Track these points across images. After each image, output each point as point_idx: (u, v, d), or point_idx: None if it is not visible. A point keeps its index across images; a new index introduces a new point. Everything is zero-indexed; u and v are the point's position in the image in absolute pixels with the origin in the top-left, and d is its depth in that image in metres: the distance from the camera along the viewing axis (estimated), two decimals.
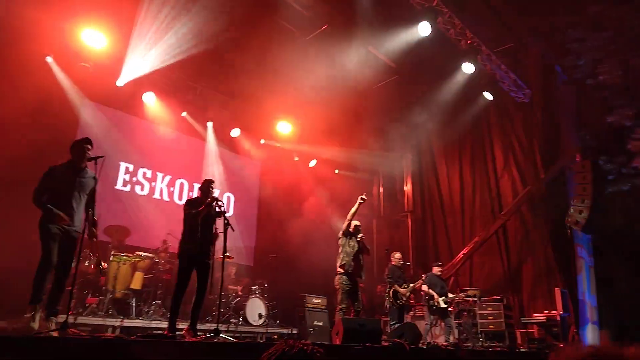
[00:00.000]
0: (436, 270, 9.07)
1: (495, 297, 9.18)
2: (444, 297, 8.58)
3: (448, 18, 9.21)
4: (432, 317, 8.84)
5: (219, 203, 5.76)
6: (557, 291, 9.04)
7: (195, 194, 10.73)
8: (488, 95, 10.65)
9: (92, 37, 8.49)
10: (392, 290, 8.29)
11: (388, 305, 8.40)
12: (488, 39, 10.07)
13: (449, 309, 8.82)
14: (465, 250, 11.01)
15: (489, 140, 11.55)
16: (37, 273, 4.46)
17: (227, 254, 5.61)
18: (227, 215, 5.75)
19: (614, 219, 9.99)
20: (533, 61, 10.82)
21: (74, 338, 3.75)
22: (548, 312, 8.99)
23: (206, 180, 5.97)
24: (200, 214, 5.60)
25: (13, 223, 6.68)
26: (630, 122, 10.79)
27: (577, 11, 11.16)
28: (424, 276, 8.90)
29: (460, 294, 9.46)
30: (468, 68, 9.91)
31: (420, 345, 6.76)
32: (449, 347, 7.07)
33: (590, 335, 9.02)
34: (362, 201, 7.00)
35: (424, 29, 8.80)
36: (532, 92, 10.91)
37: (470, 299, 9.38)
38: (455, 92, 10.94)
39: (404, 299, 8.24)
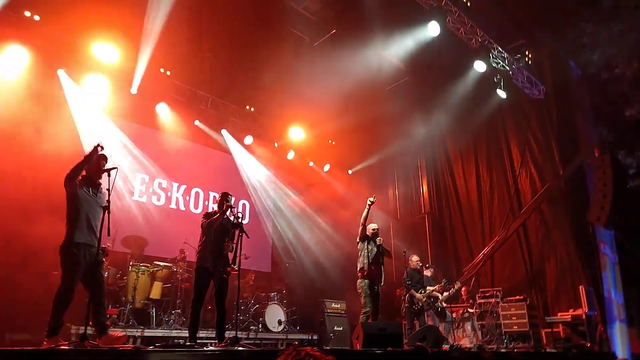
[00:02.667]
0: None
1: (518, 297, 9.00)
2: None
3: (457, 17, 9.13)
4: (452, 318, 8.72)
5: (236, 212, 5.77)
6: (582, 289, 8.82)
7: (210, 202, 10.82)
8: (502, 93, 10.49)
9: (103, 50, 8.57)
10: (408, 294, 8.21)
11: (404, 309, 8.33)
12: (499, 37, 9.96)
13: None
14: (485, 250, 10.85)
15: (504, 138, 11.38)
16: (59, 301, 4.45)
17: (233, 265, 5.59)
18: (243, 222, 5.76)
19: (636, 213, 9.78)
20: (546, 57, 10.69)
21: (92, 350, 3.74)
22: (573, 311, 8.76)
23: (222, 193, 5.98)
24: (215, 223, 5.60)
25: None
26: None
27: (589, 3, 11.02)
28: (443, 282, 8.77)
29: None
30: (480, 66, 9.81)
31: (442, 347, 6.64)
32: (472, 350, 6.96)
33: (619, 333, 8.79)
34: (370, 203, 6.97)
35: (433, 29, 8.72)
36: (546, 88, 10.75)
37: (493, 299, 9.20)
38: (468, 91, 10.85)
39: (420, 304, 8.15)
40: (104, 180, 4.92)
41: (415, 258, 8.69)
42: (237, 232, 5.61)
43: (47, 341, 4.24)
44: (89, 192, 4.84)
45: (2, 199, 6.85)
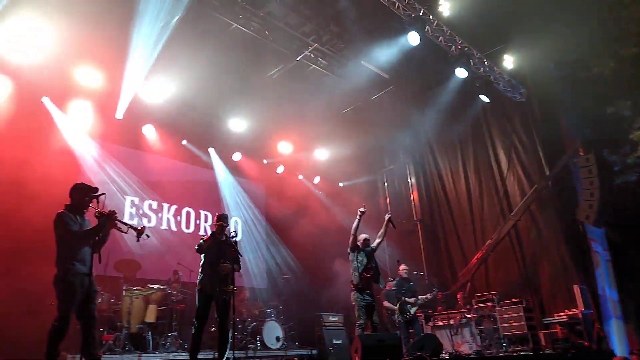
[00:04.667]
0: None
1: (514, 300, 9.00)
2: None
3: (436, 26, 9.25)
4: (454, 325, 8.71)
5: (229, 232, 5.87)
6: (576, 288, 8.86)
7: (202, 220, 10.82)
8: (484, 98, 10.61)
9: (87, 75, 8.58)
10: (399, 304, 8.14)
11: (397, 319, 8.21)
12: (478, 43, 10.10)
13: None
14: (478, 255, 10.88)
15: (490, 142, 11.46)
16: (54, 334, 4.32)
17: (230, 285, 5.64)
18: (236, 240, 5.81)
19: (624, 210, 9.87)
20: (525, 60, 10.83)
21: None
22: (569, 311, 8.77)
23: (217, 215, 6.19)
24: (204, 245, 5.69)
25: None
26: (630, 112, 10.76)
27: (562, 6, 11.26)
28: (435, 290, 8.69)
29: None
30: (461, 73, 9.89)
31: (441, 356, 6.63)
32: (471, 356, 6.95)
33: (616, 330, 8.82)
34: (361, 213, 6.97)
35: (413, 38, 8.81)
36: (527, 90, 10.91)
37: (490, 304, 9.19)
38: (452, 98, 10.97)
39: (412, 311, 8.07)
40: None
41: (402, 267, 8.65)
42: (231, 250, 5.66)
43: None
44: (76, 219, 4.75)
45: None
